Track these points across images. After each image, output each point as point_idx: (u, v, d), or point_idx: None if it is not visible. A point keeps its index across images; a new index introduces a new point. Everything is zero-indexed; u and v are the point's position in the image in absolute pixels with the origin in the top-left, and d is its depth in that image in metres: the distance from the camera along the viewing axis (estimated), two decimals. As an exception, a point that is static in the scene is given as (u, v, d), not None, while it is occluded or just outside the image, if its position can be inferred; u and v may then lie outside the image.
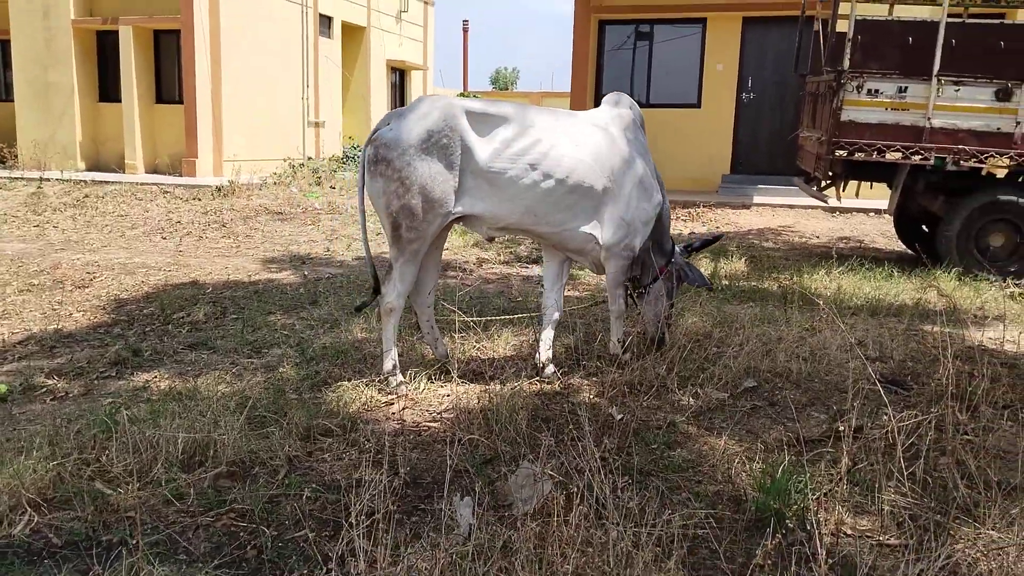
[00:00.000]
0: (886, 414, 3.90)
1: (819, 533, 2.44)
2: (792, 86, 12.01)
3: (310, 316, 5.61)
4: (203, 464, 3.16)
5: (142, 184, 13.61)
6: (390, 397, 4.01)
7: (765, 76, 12.12)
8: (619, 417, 3.76)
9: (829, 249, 9.01)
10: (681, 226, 10.32)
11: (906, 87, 6.65)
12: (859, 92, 6.69)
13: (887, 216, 8.80)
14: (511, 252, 8.43)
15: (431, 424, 3.72)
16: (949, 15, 6.52)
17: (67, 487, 2.95)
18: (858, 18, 6.63)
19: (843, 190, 7.26)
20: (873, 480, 2.99)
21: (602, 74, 12.64)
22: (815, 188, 7.64)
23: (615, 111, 4.45)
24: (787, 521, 2.74)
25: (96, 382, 4.31)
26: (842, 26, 6.87)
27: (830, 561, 2.37)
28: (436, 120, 3.83)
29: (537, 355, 4.42)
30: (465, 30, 20.77)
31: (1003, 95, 6.53)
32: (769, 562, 2.51)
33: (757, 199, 11.26)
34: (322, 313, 5.64)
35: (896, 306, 5.97)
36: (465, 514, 2.78)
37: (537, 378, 4.28)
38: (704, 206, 10.99)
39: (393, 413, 3.84)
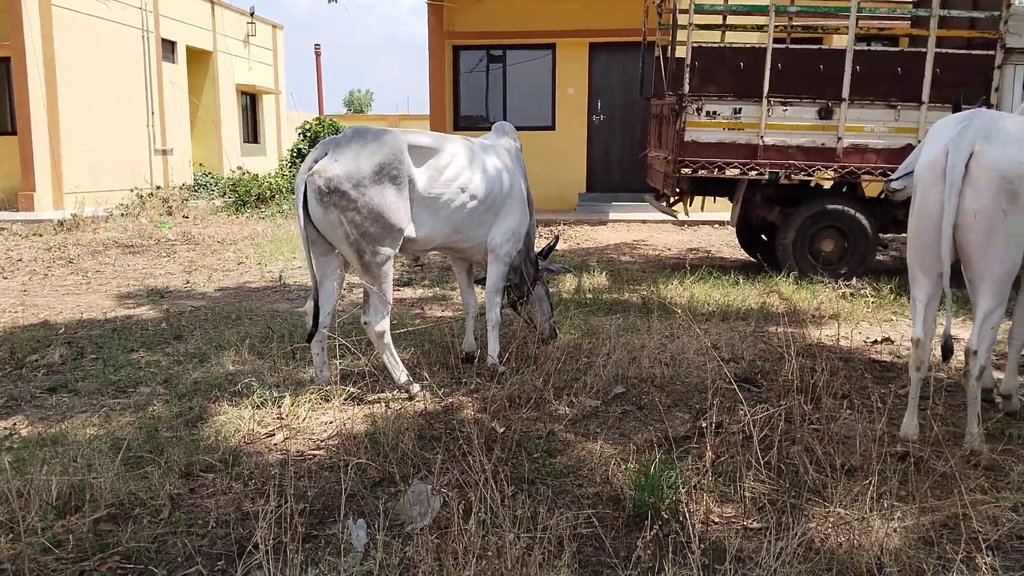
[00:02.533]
0: (742, 410, 4.27)
1: (690, 523, 2.67)
2: (638, 108, 12.66)
3: (176, 352, 5.44)
4: (80, 509, 3.05)
5: (-29, 221, 12.63)
6: (269, 428, 3.99)
7: (613, 99, 12.74)
8: (501, 430, 3.91)
9: (681, 260, 9.60)
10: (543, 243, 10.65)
11: (740, 108, 7.25)
12: (699, 114, 7.23)
13: (730, 227, 9.47)
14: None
15: (316, 452, 3.74)
16: (775, 40, 7.17)
17: (-68, 547, 2.79)
18: (695, 45, 7.16)
19: (690, 205, 7.78)
20: (734, 471, 3.27)
21: (459, 98, 12.89)
22: (665, 204, 8.14)
23: (504, 139, 5.09)
24: (662, 514, 2.96)
25: (-53, 434, 4.03)
26: (680, 52, 7.39)
27: (702, 547, 2.60)
28: (387, 153, 4.09)
29: (466, 345, 5.08)
30: (317, 54, 20.56)
31: (825, 113, 7.23)
32: (648, 552, 2.72)
33: (613, 215, 11.81)
34: (188, 348, 5.49)
35: (743, 310, 6.46)
36: (360, 535, 2.84)
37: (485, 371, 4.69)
38: (565, 224, 11.42)
39: (275, 444, 3.83)
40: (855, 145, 7.26)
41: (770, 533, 2.87)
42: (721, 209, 9.25)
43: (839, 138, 7.24)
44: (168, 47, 17.72)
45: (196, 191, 17.22)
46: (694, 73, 7.15)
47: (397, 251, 4.30)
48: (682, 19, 7.15)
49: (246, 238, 11.21)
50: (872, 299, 6.75)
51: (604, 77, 12.70)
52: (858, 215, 7.51)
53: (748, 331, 5.79)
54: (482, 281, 5.35)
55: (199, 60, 19.34)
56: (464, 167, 4.50)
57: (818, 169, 7.31)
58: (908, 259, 3.68)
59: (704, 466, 3.18)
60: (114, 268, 9.16)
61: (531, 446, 3.74)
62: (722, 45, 7.93)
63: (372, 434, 3.80)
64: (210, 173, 19.58)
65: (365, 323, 4.29)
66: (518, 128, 12.35)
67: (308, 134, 19.66)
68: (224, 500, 3.21)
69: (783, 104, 7.23)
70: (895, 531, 2.86)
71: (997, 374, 4.56)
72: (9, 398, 4.54)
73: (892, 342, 5.52)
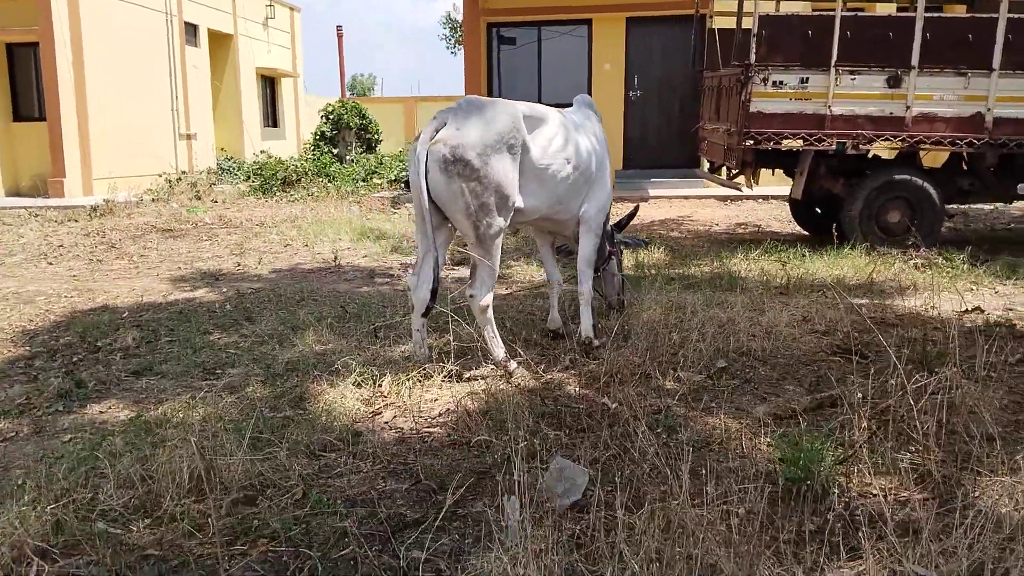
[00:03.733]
0: (854, 381, 4.16)
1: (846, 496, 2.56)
2: (676, 83, 12.52)
3: (252, 333, 5.34)
4: (211, 492, 2.96)
5: (6, 208, 12.54)
6: (375, 407, 3.90)
7: (650, 74, 12.55)
8: (614, 406, 3.80)
9: (731, 235, 9.47)
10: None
11: (807, 78, 7.08)
12: (765, 84, 7.07)
13: (782, 202, 9.33)
14: (432, 256, 8.33)
15: (431, 430, 3.64)
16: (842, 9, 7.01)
17: (70, 531, 2.70)
18: (761, 14, 6.99)
19: (754, 178, 7.63)
20: (881, 443, 3.15)
21: (493, 75, 12.72)
22: (725, 177, 8.00)
23: (588, 111, 5.00)
24: (816, 488, 2.85)
25: (44, 418, 3.94)
26: (746, 22, 7.21)
27: (893, 521, 2.49)
28: (506, 122, 4.06)
29: (552, 322, 5.04)
30: (339, 35, 20.33)
31: (893, 82, 7.06)
32: (814, 527, 2.62)
33: (652, 192, 11.65)
34: (263, 328, 5.39)
35: (817, 283, 6.33)
36: (515, 513, 2.73)
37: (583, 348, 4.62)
38: (617, 201, 11.25)
39: (386, 422, 3.73)
40: (924, 114, 7.10)
41: (935, 504, 2.77)
42: (766, 183, 9.10)
43: (908, 107, 7.08)
44: (191, 30, 17.55)
45: (221, 176, 17.10)
46: (760, 42, 6.98)
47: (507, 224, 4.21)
48: (748, -13, 6.97)
49: (285, 221, 11.09)
50: (947, 269, 6.61)
51: (641, 52, 12.49)
52: (925, 185, 7.35)
53: (832, 303, 5.66)
54: (562, 253, 5.28)
55: (220, 44, 19.16)
56: (568, 138, 4.44)
57: (887, 139, 7.15)
58: None
59: (851, 439, 3.06)
60: (158, 252, 9.05)
61: (650, 422, 3.62)
62: (789, 14, 7.75)
63: (486, 411, 3.70)
64: (232, 158, 19.46)
65: (471, 296, 4.19)
66: (553, 105, 12.24)
67: (331, 116, 19.51)
68: (356, 480, 3.12)
69: (851, 73, 7.06)
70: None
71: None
72: (98, 381, 4.45)
73: (982, 311, 5.39)
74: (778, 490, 2.92)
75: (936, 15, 7.10)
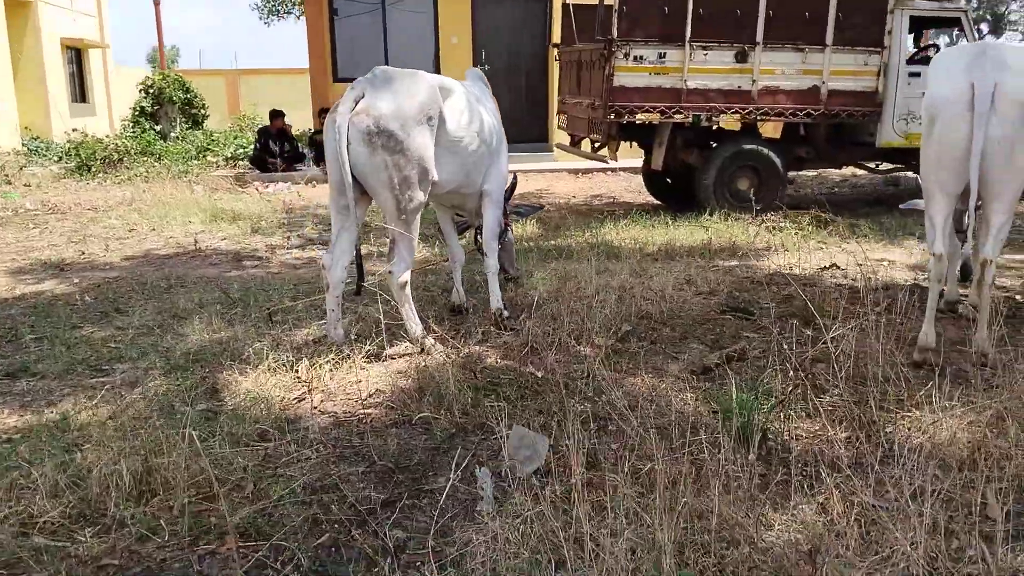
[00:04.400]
0: (748, 337, 4.49)
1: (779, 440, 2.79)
2: (523, 58, 12.70)
3: (128, 325, 4.97)
4: (156, 494, 2.77)
5: None
6: (297, 392, 3.77)
7: (498, 49, 12.63)
8: (540, 374, 3.90)
9: (590, 207, 9.81)
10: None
11: (665, 53, 7.43)
12: (627, 59, 7.35)
13: (624, 173, 9.73)
14: (298, 235, 8.06)
15: (368, 411, 3.58)
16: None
17: (9, 549, 2.45)
18: (622, -11, 7.26)
19: (616, 150, 7.93)
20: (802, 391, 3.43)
21: (337, 49, 12.34)
22: (591, 150, 8.26)
23: (482, 85, 4.96)
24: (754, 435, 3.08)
25: (-84, 432, 3.50)
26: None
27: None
28: (426, 94, 3.97)
29: (456, 297, 5.07)
30: (156, 3, 18.79)
31: (741, 57, 7.56)
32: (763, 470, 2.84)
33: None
34: (140, 320, 5.03)
35: (686, 248, 6.72)
36: (488, 484, 2.76)
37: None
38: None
39: (315, 408, 3.62)
40: (768, 87, 7.66)
41: (858, 441, 3.07)
42: (592, 158, 9.43)
43: (754, 81, 7.61)
44: (-19, -5, 15.73)
45: (31, 157, 15.54)
46: (622, 18, 7.24)
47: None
48: (609, -37, 7.18)
49: (120, 204, 10.29)
50: (795, 231, 7.20)
51: (488, 27, 12.54)
52: (770, 154, 7.96)
53: (706, 266, 6.04)
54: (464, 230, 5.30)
55: (17, 10, 17.30)
56: (476, 110, 4.42)
57: (736, 111, 7.66)
58: (925, 182, 3.95)
59: (777, 387, 3.30)
60: (-19, 243, 8.15)
61: (580, 387, 3.75)
62: None
63: (419, 388, 3.68)
64: (38, 137, 17.72)
65: (389, 272, 4.11)
66: (401, 79, 12.08)
67: (152, 91, 18.22)
68: (306, 467, 3.02)
69: (704, 49, 7.48)
70: (963, 427, 3.13)
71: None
72: (-34, 386, 3.99)
73: (839, 267, 5.94)
74: (718, 439, 3.13)
75: (777, -6, 7.66)
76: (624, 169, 11.66)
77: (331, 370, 3.96)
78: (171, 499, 2.75)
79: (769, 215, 7.77)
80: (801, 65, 7.69)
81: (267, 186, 10.77)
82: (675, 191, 9.05)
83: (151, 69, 29.32)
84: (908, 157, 8.47)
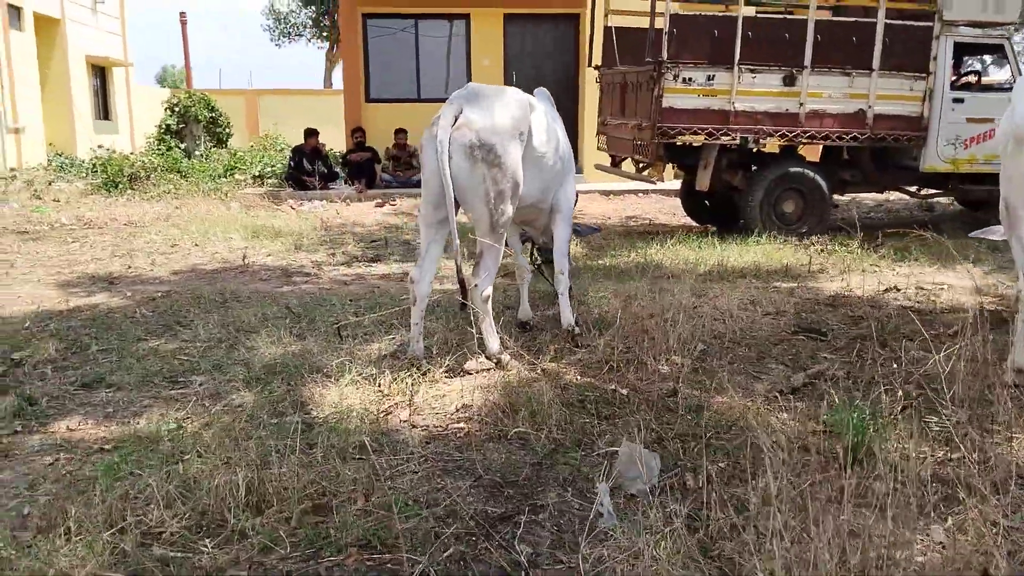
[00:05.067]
0: (826, 358, 4.45)
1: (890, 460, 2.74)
2: (553, 79, 12.76)
3: (194, 338, 4.95)
4: (270, 505, 2.74)
5: None
6: (386, 405, 3.74)
7: (528, 70, 12.71)
8: (625, 391, 3.87)
9: (627, 228, 9.82)
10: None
11: (713, 75, 7.47)
12: (675, 80, 7.38)
13: (655, 195, 9.72)
14: (343, 253, 8.07)
15: (460, 425, 3.55)
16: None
17: (135, 560, 2.41)
18: (672, 13, 7.29)
19: (663, 172, 7.95)
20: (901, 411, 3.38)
21: (370, 70, 12.42)
22: (635, 171, 8.28)
23: (549, 103, 4.89)
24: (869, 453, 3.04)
25: (5, 441, 3.47)
26: (653, 20, 7.47)
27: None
28: (519, 110, 4.06)
29: (523, 313, 5.04)
30: (183, 22, 18.96)
31: (789, 80, 7.59)
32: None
33: (537, 187, 11.83)
34: (205, 333, 5.01)
35: (739, 269, 6.70)
36: (606, 501, 2.73)
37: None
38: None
39: (403, 421, 3.59)
40: (815, 110, 7.68)
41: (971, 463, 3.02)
42: (636, 179, 9.44)
43: (801, 103, 7.63)
44: (14, 13, 15.88)
45: (59, 173, 15.62)
46: (672, 40, 7.28)
47: None
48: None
49: (157, 220, 10.32)
50: (846, 253, 7.18)
51: (519, 48, 12.64)
52: (816, 177, 7.97)
53: (764, 287, 6.01)
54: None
55: (47, 29, 17.47)
56: (553, 128, 4.46)
57: (783, 134, 7.68)
58: (1010, 204, 3.92)
59: (884, 406, 3.26)
60: (24, 257, 8.15)
61: (670, 405, 3.71)
62: (697, 13, 8.12)
63: (510, 404, 3.65)
64: (62, 153, 17.83)
65: (474, 286, 4.09)
66: (433, 100, 12.17)
67: (177, 109, 18.33)
68: (414, 480, 2.98)
69: (752, 71, 7.52)
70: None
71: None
72: (49, 397, 3.97)
73: (899, 289, 5.91)
74: (825, 460, 3.09)
75: (825, 18, 7.70)
76: (656, 191, 11.68)
77: (412, 384, 3.94)
78: (285, 510, 2.72)
79: (815, 238, 7.75)
80: (848, 89, 7.71)
81: (302, 204, 10.80)
82: (714, 213, 9.05)
83: (161, 88, 29.64)
84: (950, 182, 8.48)
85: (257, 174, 14.85)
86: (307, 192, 11.18)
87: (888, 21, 7.61)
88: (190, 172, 14.58)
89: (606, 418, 3.58)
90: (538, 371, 4.15)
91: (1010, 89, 8.06)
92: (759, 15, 8.05)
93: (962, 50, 8.23)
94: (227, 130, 19.48)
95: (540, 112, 4.32)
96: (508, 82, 12.66)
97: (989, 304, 5.53)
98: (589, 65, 9.19)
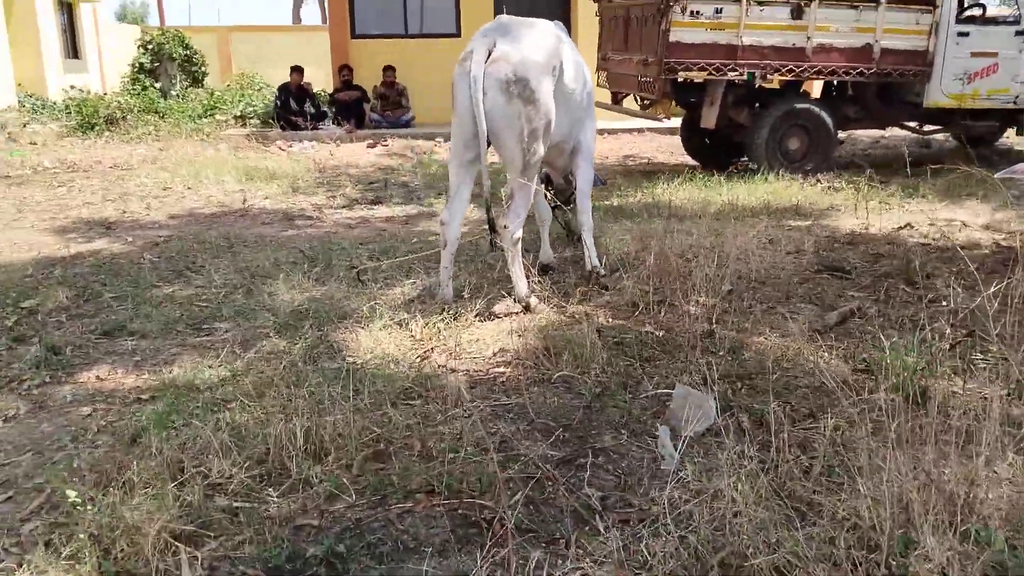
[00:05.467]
0: (852, 296, 4.45)
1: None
2: (546, 10, 12.43)
3: (209, 283, 4.85)
4: (328, 453, 2.70)
5: None
6: (421, 351, 3.69)
7: (520, 4, 12.36)
8: (660, 333, 3.85)
9: (626, 167, 9.71)
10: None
11: (721, 8, 7.30)
12: (683, 14, 7.20)
13: (650, 133, 9.60)
14: (342, 195, 7.91)
15: (501, 370, 3.51)
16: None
17: (203, 511, 2.37)
18: (681, -57, 7.09)
19: (670, 108, 7.82)
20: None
21: (354, 4, 12.03)
22: (640, 108, 8.14)
23: (567, 36, 4.70)
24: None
25: (36, 393, 3.39)
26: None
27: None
28: (553, 43, 3.92)
29: (544, 256, 4.94)
30: (155, -44, 18.12)
31: (796, 13, 7.44)
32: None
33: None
34: (224, 279, 4.90)
35: (750, 208, 6.65)
36: (668, 443, 2.71)
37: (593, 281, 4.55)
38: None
39: (441, 366, 3.54)
40: (822, 45, 7.56)
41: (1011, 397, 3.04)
42: (641, 116, 9.31)
43: (808, 38, 7.50)
44: (-24, -55, 15.12)
45: (34, 114, 15.12)
46: (679, -28, 7.09)
47: None
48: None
49: (144, 162, 10.05)
50: (852, 190, 7.15)
51: (509, -20, 12.28)
52: (822, 113, 7.89)
53: (779, 225, 5.98)
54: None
55: (9, -39, 16.69)
56: (580, 62, 4.30)
57: (791, 69, 7.56)
58: None
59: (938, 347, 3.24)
60: (11, 203, 7.91)
61: (705, 345, 3.69)
62: None
63: (547, 347, 3.61)
64: (33, 94, 17.24)
65: (504, 227, 4.00)
66: (420, 35, 11.86)
67: (151, 47, 17.73)
68: (465, 425, 2.94)
69: (760, 3, 7.35)
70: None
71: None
72: (73, 347, 3.87)
73: (912, 226, 5.91)
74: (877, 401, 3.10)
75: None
76: (652, 129, 11.55)
77: (448, 329, 3.88)
78: (344, 458, 2.68)
79: (822, 175, 7.72)
80: (855, 22, 7.58)
81: (291, 145, 10.55)
82: (714, 151, 8.96)
83: (122, 24, 28.58)
84: (953, 117, 8.44)
85: (239, 114, 14.46)
86: (296, 132, 10.91)
87: (897, -47, 7.46)
88: (168, 113, 14.18)
89: (647, 360, 3.55)
90: (567, 314, 4.11)
91: (1014, 22, 8.01)
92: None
93: (967, -18, 8.11)
94: (203, 69, 18.92)
95: (569, 46, 4.19)
96: (498, 12, 12.33)
97: (1003, 240, 5.55)
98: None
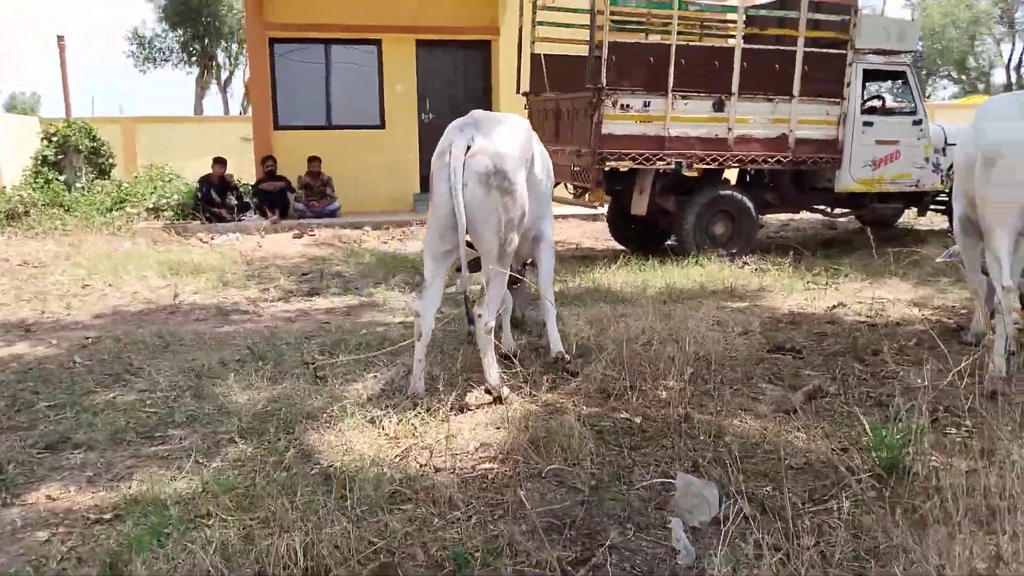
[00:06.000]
0: (808, 375, 4.58)
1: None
2: (467, 105, 12.72)
3: (151, 387, 4.58)
4: (329, 570, 2.54)
5: None
6: (398, 447, 3.57)
7: (441, 97, 12.65)
8: (638, 420, 3.84)
9: (558, 252, 9.83)
10: (404, 245, 10.37)
11: (649, 101, 7.64)
12: (614, 107, 7.49)
13: (574, 220, 9.82)
14: (275, 288, 7.71)
15: (490, 466, 3.41)
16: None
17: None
18: (611, 41, 7.42)
19: (602, 197, 8.03)
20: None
21: (278, 95, 12.03)
22: (575, 196, 8.34)
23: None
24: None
25: (-19, 517, 3.08)
26: (592, 48, 7.56)
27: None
28: (526, 136, 4.00)
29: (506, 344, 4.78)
30: (61, 47, 17.73)
31: (718, 106, 7.85)
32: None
33: (456, 213, 11.71)
34: (169, 381, 4.65)
35: (688, 291, 6.83)
36: (683, 536, 2.67)
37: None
38: (418, 224, 11.14)
39: (423, 464, 3.43)
40: (742, 135, 7.97)
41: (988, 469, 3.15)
42: (574, 204, 9.56)
43: (730, 129, 7.91)
44: None
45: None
46: (611, 67, 7.39)
47: None
48: (599, 19, 7.33)
49: (57, 259, 9.58)
50: (779, 272, 7.45)
51: (432, 75, 12.55)
52: (744, 199, 8.26)
53: (720, 307, 6.14)
54: None
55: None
56: (544, 153, 4.40)
57: (715, 158, 7.92)
58: (989, 221, 4.15)
59: (910, 422, 3.34)
60: (-89, 303, 7.37)
61: (685, 430, 3.70)
62: (634, 41, 8.29)
63: (532, 440, 3.54)
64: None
65: (479, 316, 3.99)
66: (344, 127, 11.94)
67: (55, 139, 17.15)
68: (468, 529, 2.83)
69: (684, 98, 7.73)
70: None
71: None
72: (15, 463, 3.55)
73: (845, 305, 6.17)
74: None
75: (751, 46, 8.01)
76: (575, 216, 11.82)
77: (420, 425, 3.77)
78: (346, 574, 2.52)
79: (746, 258, 8.02)
80: (771, 114, 8.06)
81: (214, 237, 10.29)
82: (640, 237, 9.23)
83: (8, 114, 27.65)
84: (862, 201, 8.99)
85: (152, 206, 14.05)
86: (219, 224, 10.66)
87: (807, 49, 8.01)
88: (75, 206, 13.68)
89: (633, 448, 3.53)
90: (540, 403, 4.06)
91: (911, 113, 8.67)
92: (690, 44, 8.29)
93: (869, 76, 8.75)
94: (110, 161, 18.40)
95: (536, 138, 4.28)
96: (422, 109, 12.57)
97: (932, 316, 5.86)
98: (518, 92, 9.22)
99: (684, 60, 7.59)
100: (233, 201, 11.33)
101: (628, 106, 7.53)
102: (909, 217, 10.87)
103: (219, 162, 11.29)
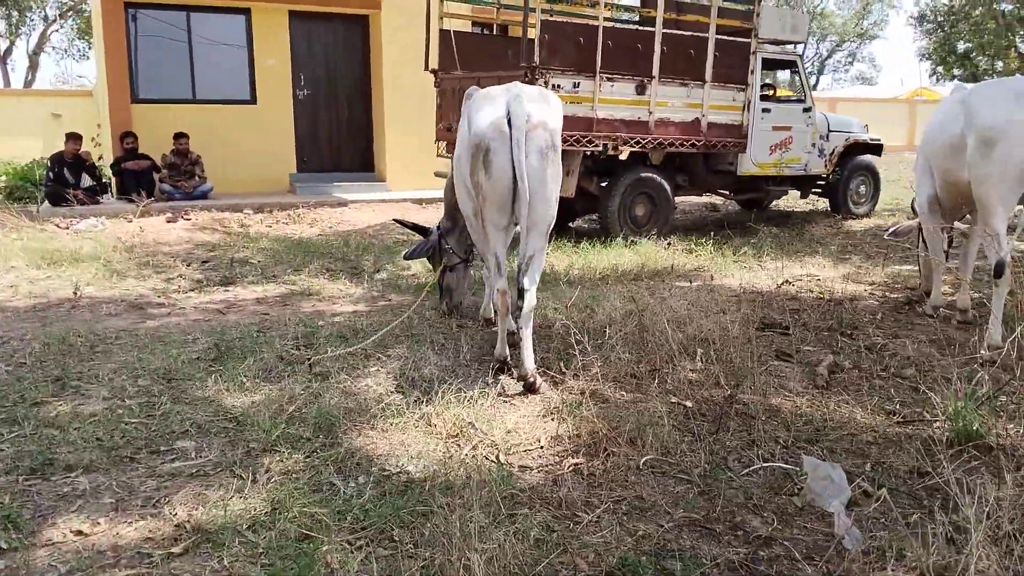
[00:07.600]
0: (807, 350, 4.69)
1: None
2: (344, 83, 12.14)
3: (117, 393, 3.96)
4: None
5: None
6: (456, 443, 3.28)
7: (316, 73, 11.90)
8: (689, 404, 3.77)
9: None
10: (294, 228, 9.72)
11: (579, 83, 7.54)
12: (546, 88, 7.32)
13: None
14: (180, 277, 6.96)
15: (572, 460, 3.19)
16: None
17: None
18: (543, 19, 7.24)
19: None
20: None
21: (136, 68, 10.81)
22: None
23: None
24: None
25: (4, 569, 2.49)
26: (526, 27, 7.34)
27: None
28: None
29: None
30: None
31: (640, 89, 7.90)
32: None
33: (344, 196, 11.10)
34: (133, 386, 4.04)
35: (631, 272, 6.84)
36: (847, 521, 2.60)
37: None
38: (303, 206, 10.43)
39: (492, 461, 3.17)
40: (662, 119, 8.08)
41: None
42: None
43: (651, 112, 7.99)
44: None
45: None
46: (543, 47, 7.22)
47: None
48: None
49: None
50: (703, 251, 7.64)
51: (306, 49, 11.75)
52: (663, 182, 8.39)
53: (671, 287, 6.17)
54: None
55: None
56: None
57: (637, 141, 7.97)
58: (989, 199, 4.38)
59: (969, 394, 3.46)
60: None
61: (742, 411, 3.68)
62: (565, 21, 8.10)
63: (612, 429, 3.36)
64: None
65: (527, 290, 3.84)
66: (211, 101, 11.01)
67: None
68: (603, 530, 2.63)
69: (611, 80, 7.71)
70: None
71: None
72: (8, 493, 2.91)
73: (790, 282, 6.42)
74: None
75: (671, 31, 8.10)
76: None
77: (475, 419, 3.50)
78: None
79: (665, 239, 8.17)
80: (686, 99, 8.22)
81: (75, 222, 9.09)
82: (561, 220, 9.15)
83: None
84: (759, 184, 9.42)
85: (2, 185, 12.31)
86: (76, 208, 9.43)
87: (717, 36, 8.24)
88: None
89: (712, 434, 3.44)
90: (575, 391, 3.88)
91: (799, 101, 9.18)
92: (616, 26, 8.28)
93: (766, 65, 9.16)
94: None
95: None
96: (296, 83, 11.80)
97: (876, 291, 6.21)
98: (426, 69, 8.83)
99: (611, 42, 7.56)
100: (88, 182, 10.08)
101: (559, 86, 7.40)
102: (788, 201, 11.57)
103: (73, 138, 9.99)
